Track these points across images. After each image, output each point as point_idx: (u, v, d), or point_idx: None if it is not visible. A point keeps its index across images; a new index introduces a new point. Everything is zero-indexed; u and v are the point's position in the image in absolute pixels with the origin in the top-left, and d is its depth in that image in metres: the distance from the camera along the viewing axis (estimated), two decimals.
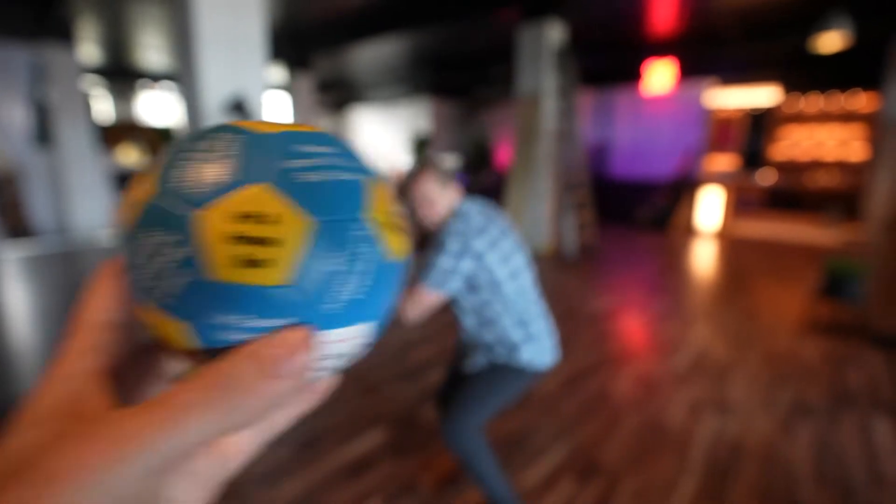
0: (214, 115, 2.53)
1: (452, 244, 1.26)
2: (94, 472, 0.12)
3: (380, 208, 0.19)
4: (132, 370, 0.19)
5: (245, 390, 0.15)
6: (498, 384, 1.35)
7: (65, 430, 0.14)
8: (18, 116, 5.84)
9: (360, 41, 6.69)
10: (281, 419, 0.20)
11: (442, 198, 1.33)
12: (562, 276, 4.46)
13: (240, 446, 0.19)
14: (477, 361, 1.41)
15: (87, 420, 0.14)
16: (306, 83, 8.34)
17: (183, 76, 2.61)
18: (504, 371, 1.36)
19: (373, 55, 8.32)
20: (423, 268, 1.29)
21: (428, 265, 1.28)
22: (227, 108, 2.41)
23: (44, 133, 6.01)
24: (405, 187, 1.33)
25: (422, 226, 1.37)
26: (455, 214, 1.31)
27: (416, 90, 10.88)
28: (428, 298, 1.28)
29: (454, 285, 1.28)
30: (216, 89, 2.52)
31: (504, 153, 10.12)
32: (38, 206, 6.14)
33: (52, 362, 0.16)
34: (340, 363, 0.19)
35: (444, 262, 1.26)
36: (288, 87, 8.29)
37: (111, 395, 0.16)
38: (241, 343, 0.16)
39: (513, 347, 1.34)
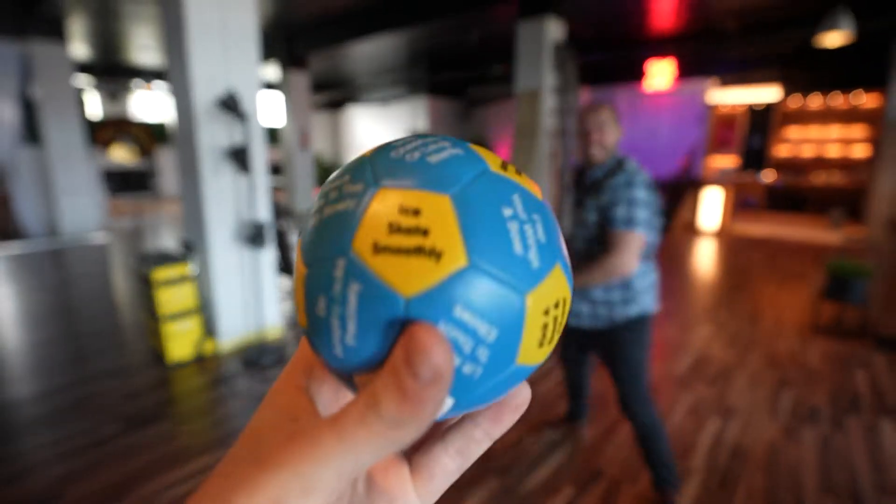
0: (206, 113, 2.47)
1: (640, 176, 1.36)
2: (297, 466, 0.15)
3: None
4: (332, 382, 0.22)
5: (394, 409, 0.14)
6: (641, 340, 1.47)
7: (284, 426, 0.17)
8: (6, 114, 5.73)
9: (355, 39, 6.64)
10: (474, 449, 0.20)
11: (613, 131, 1.44)
12: None
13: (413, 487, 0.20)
14: (597, 316, 1.48)
15: (300, 423, 0.17)
16: (301, 81, 8.27)
17: (174, 73, 2.55)
18: (639, 324, 1.46)
19: (368, 53, 8.27)
20: (615, 210, 1.35)
21: (622, 205, 1.34)
22: (219, 105, 2.35)
23: (32, 131, 5.92)
24: (582, 113, 1.45)
25: (586, 154, 1.47)
26: (619, 154, 1.45)
27: (412, 88, 10.82)
28: (640, 241, 1.35)
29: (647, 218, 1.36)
30: (207, 86, 2.46)
31: (502, 152, 10.08)
32: (27, 205, 6.02)
33: (283, 371, 0.20)
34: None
35: (639, 194, 1.34)
36: (283, 86, 8.23)
37: (316, 408, 0.18)
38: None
39: (638, 293, 1.45)
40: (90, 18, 6.11)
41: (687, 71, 7.52)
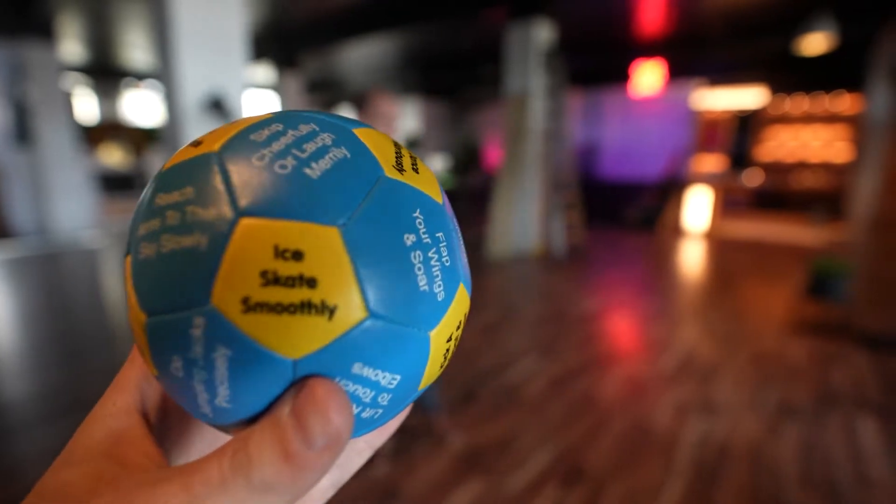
0: (193, 114, 2.47)
1: None
2: None
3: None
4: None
5: (271, 475, 0.11)
6: None
7: (104, 473, 0.12)
8: None
9: (348, 40, 6.66)
10: (355, 461, 0.17)
11: (398, 119, 1.43)
12: (550, 277, 4.45)
13: None
14: None
15: (128, 468, 0.13)
16: (294, 83, 8.26)
17: (163, 74, 2.55)
18: None
19: (361, 55, 8.28)
20: None
21: None
22: (205, 107, 2.35)
23: (24, 132, 5.88)
24: (364, 102, 1.42)
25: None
26: None
27: (404, 90, 10.84)
28: None
29: None
30: (195, 87, 2.47)
31: (493, 153, 10.13)
32: (18, 207, 5.99)
33: (105, 393, 0.15)
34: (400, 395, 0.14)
35: None
36: (276, 87, 8.22)
37: (152, 441, 0.14)
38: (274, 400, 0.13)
39: None
40: (81, 19, 6.09)
41: (674, 74, 7.62)
